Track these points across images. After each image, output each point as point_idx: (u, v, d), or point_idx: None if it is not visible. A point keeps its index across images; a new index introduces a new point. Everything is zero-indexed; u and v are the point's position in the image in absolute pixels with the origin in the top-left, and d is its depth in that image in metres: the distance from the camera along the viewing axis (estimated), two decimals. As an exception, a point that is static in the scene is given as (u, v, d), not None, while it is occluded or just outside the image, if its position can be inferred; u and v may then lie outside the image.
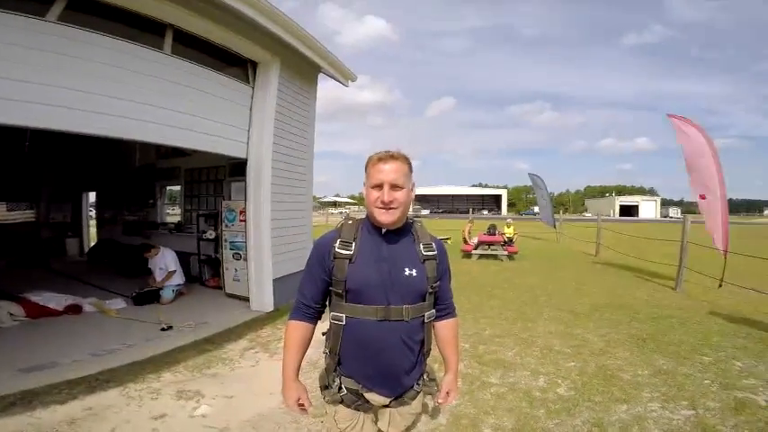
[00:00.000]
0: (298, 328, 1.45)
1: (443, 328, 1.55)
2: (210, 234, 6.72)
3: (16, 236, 9.13)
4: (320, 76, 6.53)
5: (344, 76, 6.70)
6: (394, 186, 1.33)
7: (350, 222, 1.44)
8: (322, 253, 1.41)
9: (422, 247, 1.42)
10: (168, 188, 9.27)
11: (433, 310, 1.47)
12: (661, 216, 65.54)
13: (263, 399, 3.01)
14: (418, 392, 1.48)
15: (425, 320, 1.42)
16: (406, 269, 1.37)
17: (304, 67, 5.98)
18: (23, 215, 9.81)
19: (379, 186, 1.33)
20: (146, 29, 4.14)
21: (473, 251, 11.06)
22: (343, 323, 1.37)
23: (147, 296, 5.61)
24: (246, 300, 5.55)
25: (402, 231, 1.43)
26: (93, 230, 10.98)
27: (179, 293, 5.94)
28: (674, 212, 67.25)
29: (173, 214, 10.05)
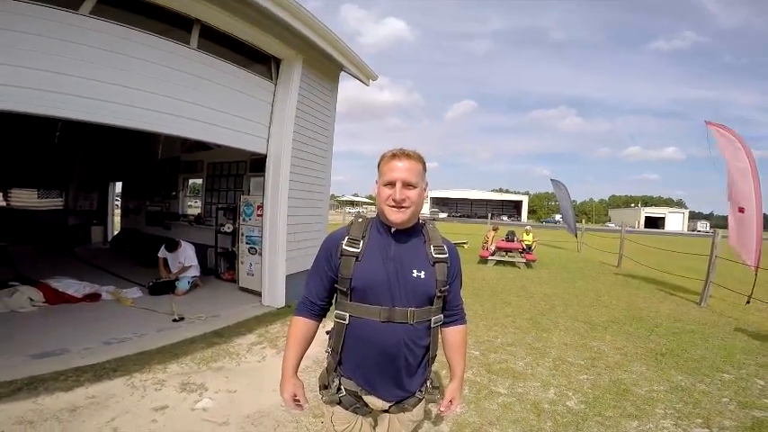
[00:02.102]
0: (301, 324, 1.44)
1: (451, 334, 1.50)
2: (228, 227, 6.82)
3: (44, 222, 9.50)
4: (341, 75, 6.55)
5: (366, 76, 6.70)
6: (407, 184, 1.30)
7: (360, 220, 1.42)
8: (329, 249, 1.40)
9: (433, 249, 1.38)
10: (191, 181, 9.49)
11: (441, 315, 1.42)
12: (689, 229, 63.14)
13: (266, 395, 3.01)
14: (420, 399, 1.44)
15: (432, 325, 1.38)
16: (414, 271, 1.34)
17: (326, 66, 6.01)
18: (52, 202, 10.20)
19: (392, 184, 1.30)
20: (173, 24, 4.23)
21: (490, 257, 10.90)
22: (347, 322, 1.35)
23: (163, 286, 5.73)
24: (259, 294, 5.60)
25: (413, 232, 1.40)
26: (117, 219, 11.33)
27: (194, 285, 6.05)
28: (703, 226, 64.59)
29: (194, 207, 10.27)
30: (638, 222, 65.11)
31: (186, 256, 6.07)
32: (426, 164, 1.39)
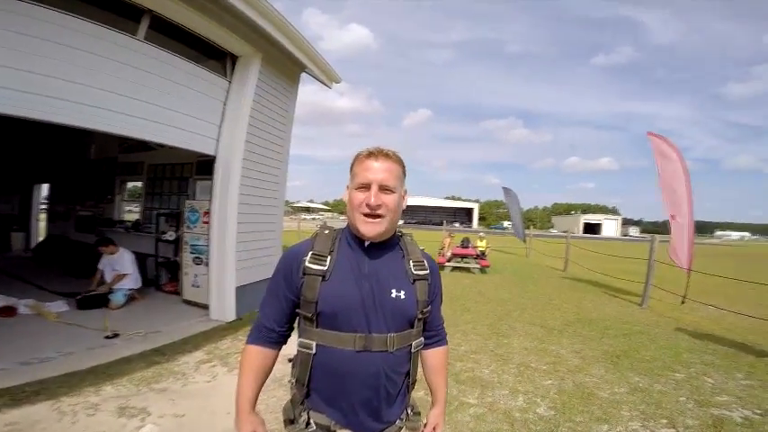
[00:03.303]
0: (256, 354, 1.21)
1: (432, 356, 1.34)
2: (171, 235, 6.26)
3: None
4: (303, 76, 6.28)
5: (329, 78, 6.47)
6: (384, 188, 1.10)
7: (326, 232, 1.21)
8: (289, 267, 1.17)
9: (412, 264, 1.20)
10: (130, 184, 8.70)
11: (422, 338, 1.24)
12: (622, 234, 68.48)
13: (220, 418, 2.70)
14: (400, 428, 1.26)
15: (413, 350, 1.20)
16: (393, 290, 1.14)
17: (287, 65, 5.72)
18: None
19: (366, 187, 1.11)
20: (121, 13, 3.80)
21: (447, 263, 11.00)
22: (313, 352, 1.12)
23: (95, 300, 5.11)
24: (206, 308, 5.14)
25: (389, 245, 1.21)
26: (43, 225, 10.16)
27: (131, 298, 5.47)
28: (634, 231, 70.50)
29: (134, 212, 9.44)
30: (578, 228, 69.58)
31: (122, 263, 5.46)
32: (406, 167, 1.20)
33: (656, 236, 7.92)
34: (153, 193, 7.47)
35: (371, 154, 1.13)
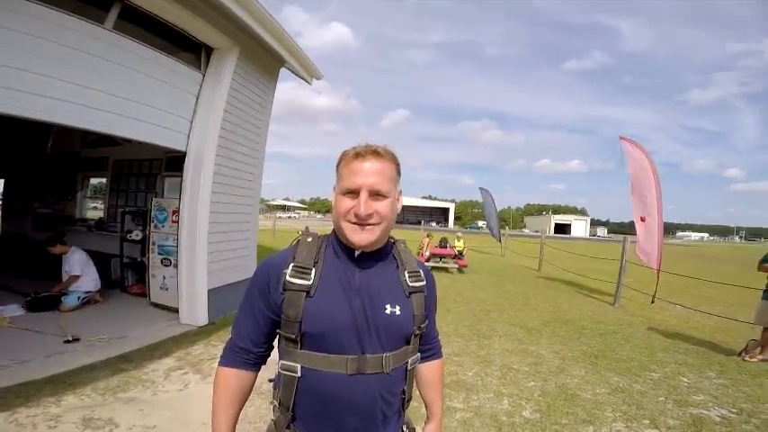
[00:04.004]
0: (230, 377, 1.05)
1: (428, 370, 1.23)
2: (137, 235, 5.93)
3: None
4: (281, 72, 6.07)
5: (309, 74, 6.27)
6: (375, 194, 0.96)
7: (309, 240, 1.05)
8: (266, 281, 1.02)
9: (408, 275, 1.06)
10: (94, 180, 8.24)
11: (418, 355, 1.13)
12: (590, 235, 70.88)
13: (194, 429, 2.53)
14: None
15: (409, 367, 1.08)
16: (388, 306, 1.00)
17: (266, 59, 5.50)
18: None
19: (354, 193, 0.96)
20: (89, 0, 3.55)
21: (425, 263, 10.97)
22: (299, 375, 0.98)
23: (45, 302, 4.77)
24: (175, 311, 4.86)
25: (381, 254, 1.06)
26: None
27: (89, 301, 5.13)
28: (602, 232, 73.14)
29: (99, 209, 8.94)
30: (549, 228, 71.52)
31: (71, 263, 5.09)
32: (400, 164, 1.05)
33: (628, 237, 8.16)
34: (118, 190, 7.10)
35: (359, 154, 0.98)
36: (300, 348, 0.97)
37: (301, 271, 0.98)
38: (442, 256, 11.44)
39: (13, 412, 2.55)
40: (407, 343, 1.05)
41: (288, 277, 0.97)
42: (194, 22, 4.29)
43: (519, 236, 35.96)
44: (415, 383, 1.19)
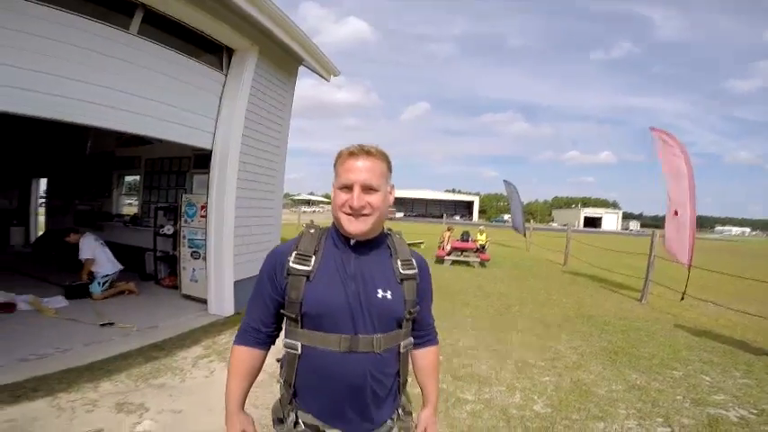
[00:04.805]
0: (244, 354, 1.21)
1: (423, 356, 1.32)
2: (168, 229, 6.25)
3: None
4: (300, 70, 6.21)
5: (327, 71, 6.41)
6: (367, 188, 1.09)
7: (312, 231, 1.19)
8: (273, 267, 1.16)
9: (400, 263, 1.18)
10: (127, 178, 8.69)
11: (411, 339, 1.23)
12: (622, 228, 68.44)
13: (217, 415, 2.69)
14: (391, 428, 1.25)
15: (401, 350, 1.18)
16: (380, 290, 1.13)
17: (284, 59, 5.66)
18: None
19: (349, 188, 1.09)
20: (112, 7, 3.76)
21: (446, 257, 10.99)
22: (299, 352, 1.12)
23: (78, 290, 5.16)
24: (204, 302, 5.14)
25: (376, 244, 1.19)
26: (42, 219, 10.15)
27: (123, 292, 5.50)
28: (634, 226, 70.47)
29: (134, 206, 9.44)
30: (578, 222, 69.57)
31: (81, 249, 5.41)
32: (391, 162, 1.18)
33: (657, 231, 7.89)
34: (151, 186, 7.46)
35: (353, 153, 1.11)
36: (301, 327, 1.11)
37: (303, 258, 1.12)
38: (463, 250, 11.38)
39: (54, 397, 2.76)
40: (399, 326, 1.16)
41: (291, 264, 1.11)
42: (215, 26, 4.48)
43: (545, 230, 35.19)
44: (411, 369, 1.29)
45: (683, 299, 6.73)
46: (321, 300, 1.09)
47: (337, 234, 1.17)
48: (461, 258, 11.12)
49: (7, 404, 2.61)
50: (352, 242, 1.15)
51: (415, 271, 1.20)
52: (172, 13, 4.15)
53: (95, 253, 5.46)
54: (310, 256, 1.13)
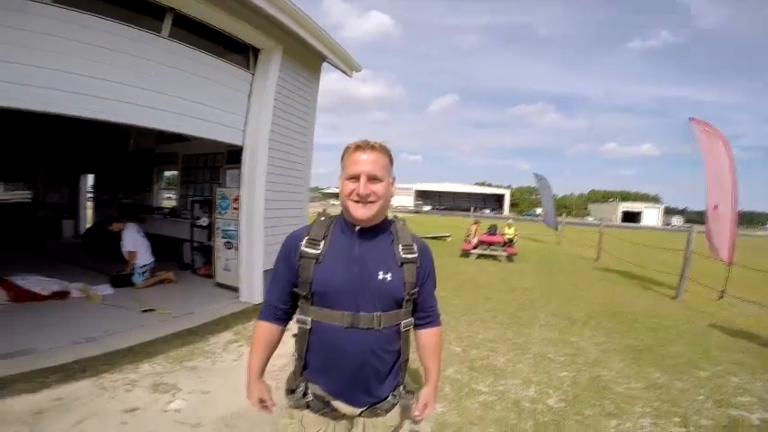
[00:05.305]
0: (264, 328, 1.39)
1: (424, 337, 1.43)
2: (204, 221, 6.61)
3: (11, 216, 9.06)
4: (324, 66, 6.37)
5: (349, 67, 6.55)
6: (372, 178, 1.22)
7: (322, 219, 1.33)
8: (288, 251, 1.32)
9: (401, 248, 1.30)
10: (166, 173, 9.19)
11: (411, 319, 1.35)
12: (663, 224, 65.08)
13: (242, 396, 2.85)
14: (394, 404, 1.37)
15: (401, 329, 1.31)
16: (380, 272, 1.26)
17: (307, 56, 5.83)
18: (20, 195, 9.74)
19: (355, 178, 1.22)
20: (143, 12, 4.01)
21: (472, 251, 10.93)
22: (309, 327, 1.27)
23: (123, 279, 5.56)
24: (236, 290, 5.45)
25: (379, 230, 1.31)
26: (90, 213, 10.92)
27: (162, 281, 5.86)
28: (677, 221, 66.80)
29: (172, 199, 9.98)
30: (616, 216, 66.74)
31: (125, 240, 5.79)
32: (393, 157, 1.31)
33: (695, 226, 7.56)
34: (188, 181, 7.87)
35: (359, 147, 1.24)
36: (311, 305, 1.27)
37: (313, 243, 1.28)
38: (490, 244, 11.29)
39: (99, 377, 3.01)
40: (399, 306, 1.29)
41: (303, 247, 1.28)
42: (239, 27, 4.68)
43: (579, 224, 34.03)
44: (414, 349, 1.42)
45: (721, 297, 6.42)
46: (327, 279, 1.24)
47: (345, 221, 1.31)
48: (488, 252, 11.03)
49: (58, 383, 2.87)
50: (357, 228, 1.28)
51: (416, 255, 1.31)
52: (198, 15, 4.38)
53: (137, 245, 5.86)
54: (320, 241, 1.27)
